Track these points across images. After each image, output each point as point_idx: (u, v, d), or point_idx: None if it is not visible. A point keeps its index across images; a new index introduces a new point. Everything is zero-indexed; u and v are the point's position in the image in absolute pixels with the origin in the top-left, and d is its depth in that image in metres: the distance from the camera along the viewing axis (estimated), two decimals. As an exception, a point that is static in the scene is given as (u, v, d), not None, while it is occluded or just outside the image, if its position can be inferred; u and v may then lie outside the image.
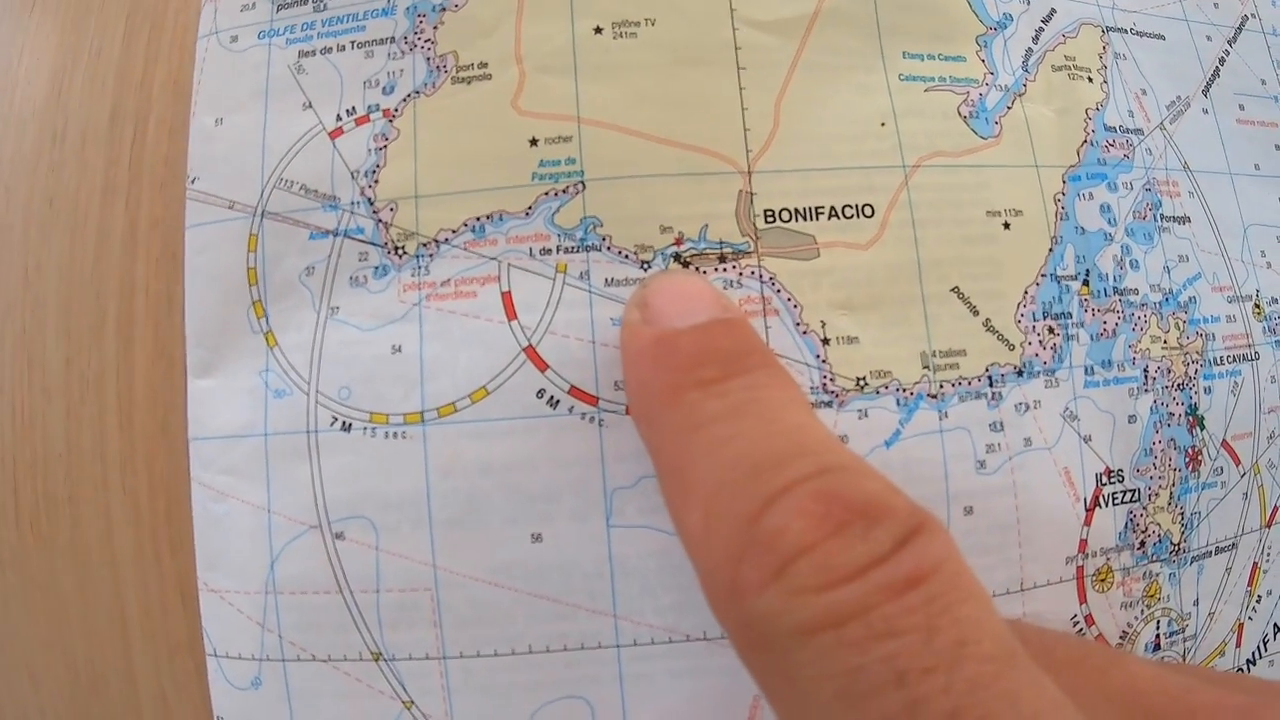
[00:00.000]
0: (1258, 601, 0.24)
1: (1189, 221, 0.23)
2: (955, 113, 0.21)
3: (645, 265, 0.19)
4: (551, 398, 0.19)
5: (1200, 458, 0.22)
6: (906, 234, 0.20)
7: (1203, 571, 0.23)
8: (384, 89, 0.20)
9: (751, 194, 0.19)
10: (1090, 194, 0.21)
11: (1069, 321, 0.21)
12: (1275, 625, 0.25)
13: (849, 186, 0.20)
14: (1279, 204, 0.25)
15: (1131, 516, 0.21)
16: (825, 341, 0.19)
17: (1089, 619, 0.21)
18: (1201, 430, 0.22)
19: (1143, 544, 0.21)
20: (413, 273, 0.19)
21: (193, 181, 0.20)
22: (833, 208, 0.20)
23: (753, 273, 0.19)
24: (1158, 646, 0.22)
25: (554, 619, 0.19)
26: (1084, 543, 0.21)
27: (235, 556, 0.19)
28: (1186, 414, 0.22)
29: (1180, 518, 0.22)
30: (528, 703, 0.19)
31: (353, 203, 0.19)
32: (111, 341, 0.22)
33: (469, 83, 0.20)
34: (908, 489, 0.19)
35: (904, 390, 0.19)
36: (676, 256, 0.19)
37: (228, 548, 0.19)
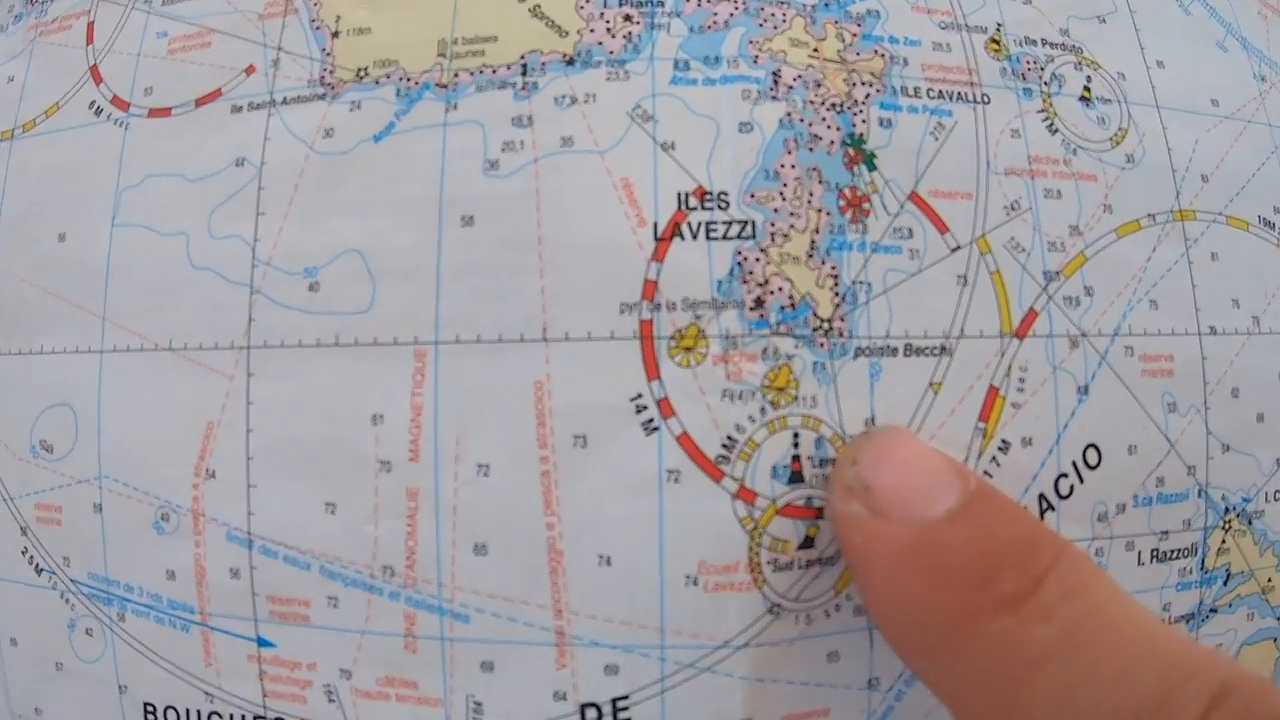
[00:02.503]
0: (1002, 449, 0.16)
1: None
2: None
3: (200, -9, 0.19)
4: (99, 108, 0.19)
5: (865, 206, 0.16)
6: (453, -67, 0.18)
7: (879, 375, 0.16)
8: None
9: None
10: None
11: (658, 11, 0.16)
12: (1042, 496, 0.16)
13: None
14: None
15: (741, 260, 0.15)
16: (335, 35, 0.17)
17: (664, 406, 0.15)
18: (868, 170, 0.16)
19: (760, 303, 0.15)
20: (37, 16, 0.21)
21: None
22: (379, -80, 0.18)
23: (285, -19, 0.18)
24: (797, 476, 0.15)
25: (59, 319, 0.18)
26: (651, 285, 0.15)
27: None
28: (844, 143, 0.16)
29: (833, 283, 0.16)
30: (33, 407, 0.19)
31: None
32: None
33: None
34: (395, 190, 0.17)
35: (408, 80, 0.17)
36: (224, -24, 0.19)
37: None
